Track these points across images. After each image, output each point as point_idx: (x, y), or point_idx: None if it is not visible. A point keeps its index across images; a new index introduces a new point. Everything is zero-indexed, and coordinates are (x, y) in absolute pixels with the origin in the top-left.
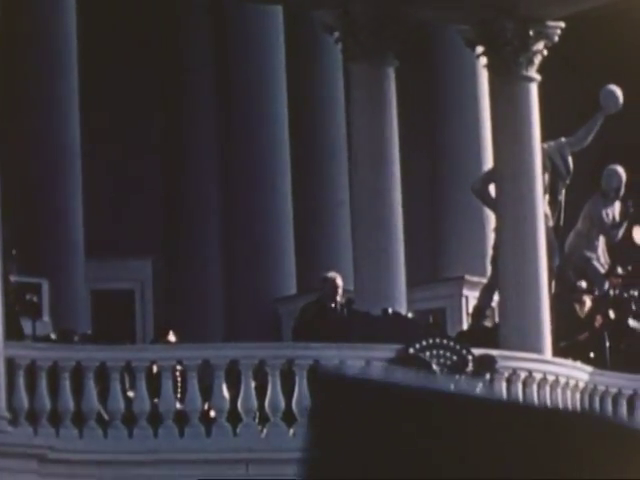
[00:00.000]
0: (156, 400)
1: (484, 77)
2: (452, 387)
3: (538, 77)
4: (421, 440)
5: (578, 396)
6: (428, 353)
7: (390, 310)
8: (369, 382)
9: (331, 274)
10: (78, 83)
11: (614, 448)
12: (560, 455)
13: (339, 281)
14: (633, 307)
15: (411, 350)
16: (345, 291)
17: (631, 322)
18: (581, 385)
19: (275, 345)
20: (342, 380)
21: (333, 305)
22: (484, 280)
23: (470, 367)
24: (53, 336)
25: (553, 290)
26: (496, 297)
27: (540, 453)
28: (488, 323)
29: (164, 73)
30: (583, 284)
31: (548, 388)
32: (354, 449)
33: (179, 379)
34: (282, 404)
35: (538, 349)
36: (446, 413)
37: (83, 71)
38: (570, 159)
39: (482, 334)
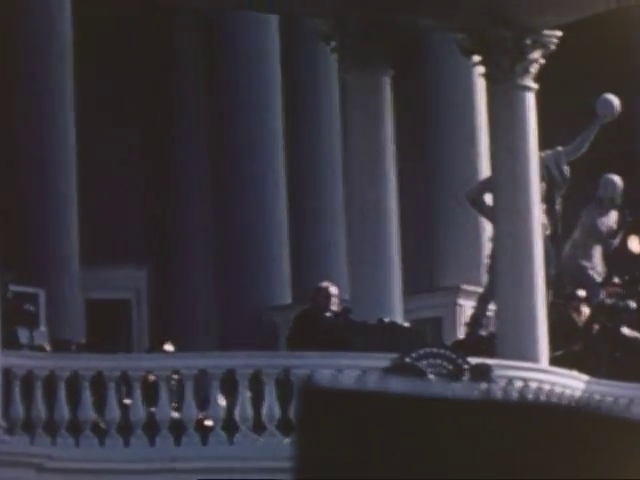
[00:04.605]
0: (152, 409)
1: (481, 86)
2: (446, 393)
3: (535, 86)
4: (411, 446)
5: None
6: (424, 362)
7: (386, 319)
8: (356, 394)
9: (324, 284)
10: (72, 83)
11: (617, 441)
12: (561, 451)
13: (332, 290)
14: (627, 316)
15: (407, 359)
16: (342, 300)
17: (625, 331)
18: (577, 394)
19: (271, 354)
20: (328, 393)
21: (329, 314)
22: (480, 289)
23: (466, 376)
24: (47, 347)
25: (549, 299)
26: (492, 306)
27: (540, 451)
28: (484, 332)
29: (156, 81)
30: (581, 293)
31: (544, 397)
32: (343, 457)
33: (175, 388)
34: (278, 413)
35: (534, 358)
36: (439, 418)
37: (77, 68)
38: (567, 168)
39: (478, 343)
